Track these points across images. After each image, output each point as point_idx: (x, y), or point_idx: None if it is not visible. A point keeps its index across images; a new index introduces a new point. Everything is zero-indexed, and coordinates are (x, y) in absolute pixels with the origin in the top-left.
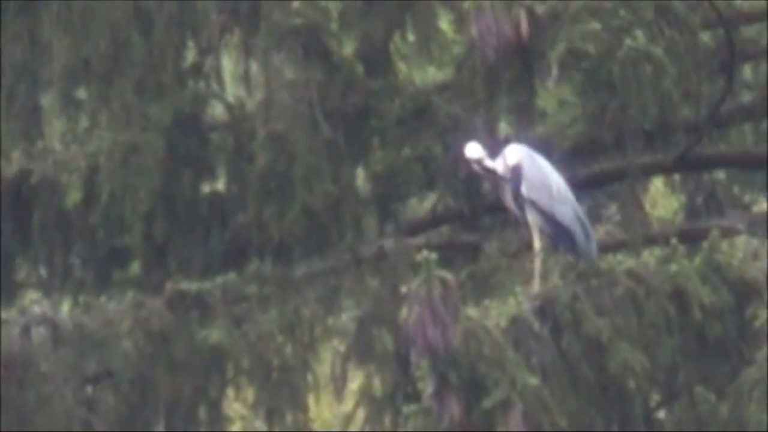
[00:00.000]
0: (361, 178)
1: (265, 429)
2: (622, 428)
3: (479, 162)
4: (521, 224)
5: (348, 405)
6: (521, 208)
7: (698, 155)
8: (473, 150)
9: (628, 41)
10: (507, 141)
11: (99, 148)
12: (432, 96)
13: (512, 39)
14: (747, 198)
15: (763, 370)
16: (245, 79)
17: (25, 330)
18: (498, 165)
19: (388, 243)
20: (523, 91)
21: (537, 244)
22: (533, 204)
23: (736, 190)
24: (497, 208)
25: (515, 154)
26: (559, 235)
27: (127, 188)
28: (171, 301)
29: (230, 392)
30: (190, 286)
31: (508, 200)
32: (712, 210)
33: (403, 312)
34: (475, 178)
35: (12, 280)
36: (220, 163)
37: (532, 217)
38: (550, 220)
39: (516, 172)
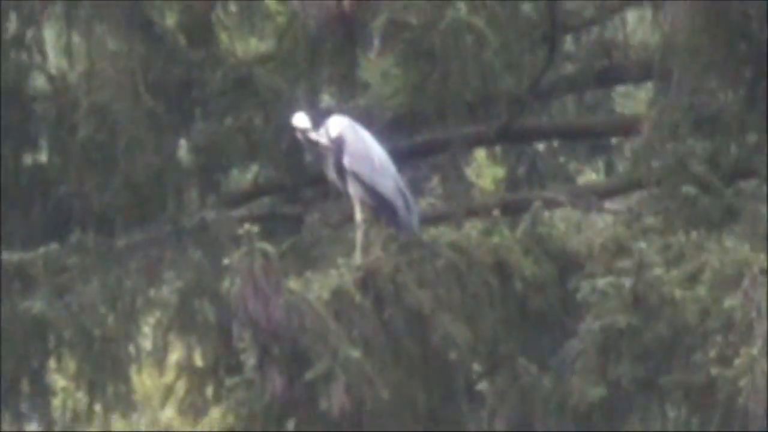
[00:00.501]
0: (183, 149)
1: (86, 400)
2: (445, 400)
3: (304, 132)
4: (343, 196)
5: (170, 377)
6: (343, 179)
7: (520, 127)
8: (300, 120)
9: (449, 12)
10: (329, 112)
11: None
12: (254, 67)
13: (334, 9)
14: (570, 169)
15: (585, 342)
16: (67, 50)
17: None
18: (321, 136)
19: (210, 214)
20: (345, 62)
21: (359, 216)
22: (355, 176)
23: (560, 161)
24: (319, 179)
25: (337, 125)
26: (380, 207)
27: None
28: None
29: (52, 363)
30: (12, 256)
31: (330, 172)
32: (534, 182)
33: (225, 284)
34: (297, 150)
35: None
36: (43, 134)
37: (353, 189)
38: (371, 192)
39: (338, 143)
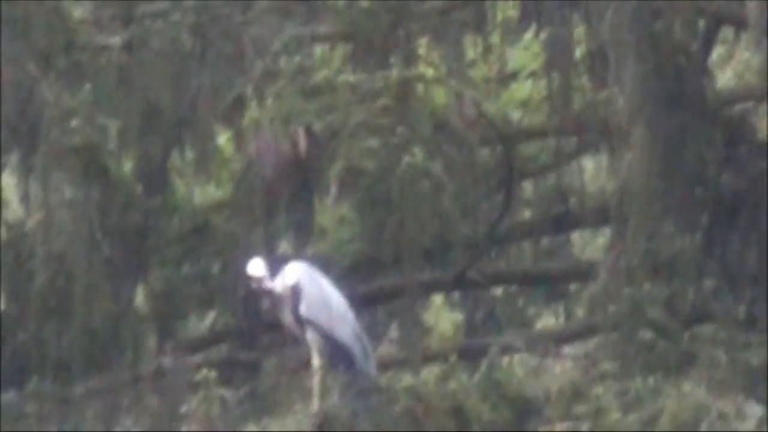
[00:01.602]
0: (140, 296)
1: None
2: None
3: (260, 281)
4: (300, 342)
5: None
6: (301, 326)
7: (477, 272)
8: (255, 268)
9: (406, 158)
10: (286, 258)
11: None
12: (210, 214)
13: (290, 156)
14: (528, 315)
15: None
16: (24, 198)
17: None
18: (277, 283)
19: (167, 361)
20: (301, 208)
21: (316, 362)
22: (312, 323)
23: (518, 306)
24: (276, 325)
25: (294, 272)
26: (337, 353)
27: None
28: None
29: None
30: None
31: (287, 318)
32: (492, 327)
33: (183, 430)
34: (253, 296)
35: None
36: (1, 282)
37: (311, 336)
38: (329, 338)
39: (295, 290)
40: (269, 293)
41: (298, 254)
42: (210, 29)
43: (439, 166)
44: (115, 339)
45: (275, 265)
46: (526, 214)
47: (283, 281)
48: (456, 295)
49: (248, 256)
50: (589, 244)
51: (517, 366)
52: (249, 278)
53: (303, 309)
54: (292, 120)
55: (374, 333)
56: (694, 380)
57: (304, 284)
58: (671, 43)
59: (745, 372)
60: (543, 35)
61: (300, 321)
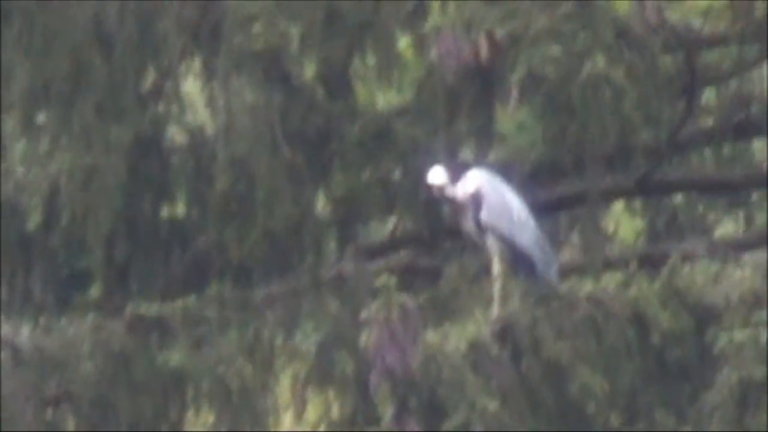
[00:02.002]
0: (321, 201)
1: None
2: None
3: (441, 189)
4: (481, 248)
5: (308, 428)
6: (482, 233)
7: (659, 179)
8: (436, 175)
9: (588, 65)
10: (467, 165)
11: (60, 171)
12: (392, 119)
13: (472, 62)
14: (708, 221)
15: (723, 394)
16: (206, 102)
17: None
18: (459, 190)
19: (348, 266)
20: (482, 114)
21: (497, 267)
22: (493, 230)
23: (698, 213)
24: (457, 232)
25: (476, 180)
26: (519, 260)
27: (88, 211)
28: (131, 323)
29: (190, 415)
30: (151, 308)
31: (468, 225)
32: (672, 234)
33: (363, 336)
34: (434, 202)
35: None
36: (181, 186)
37: (492, 243)
38: (510, 245)
39: (476, 198)
40: (450, 200)
41: (478, 161)
42: None
43: (620, 73)
44: (296, 244)
45: (456, 172)
46: (708, 121)
47: (464, 188)
48: (637, 201)
49: (429, 161)
50: None
51: (698, 273)
52: (430, 186)
53: (484, 216)
54: (474, 26)
55: (555, 239)
56: None
57: (486, 191)
58: None
59: None
60: None
61: (481, 228)
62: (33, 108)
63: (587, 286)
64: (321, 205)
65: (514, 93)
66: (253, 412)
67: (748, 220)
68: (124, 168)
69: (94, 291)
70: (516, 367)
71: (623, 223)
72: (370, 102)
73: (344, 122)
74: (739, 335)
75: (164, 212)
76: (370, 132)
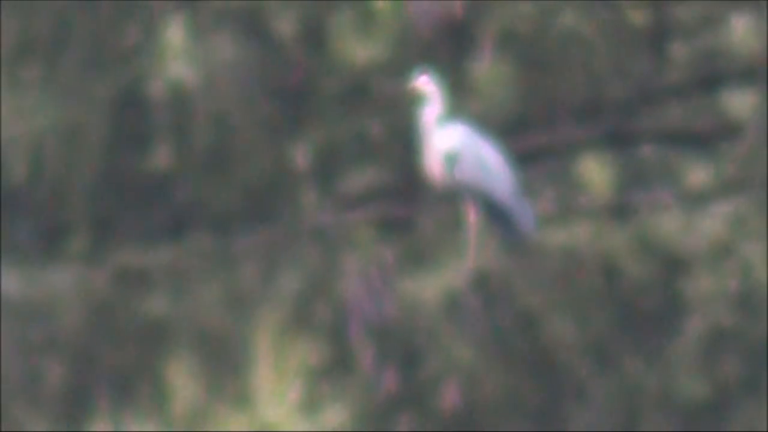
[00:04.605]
0: (299, 153)
1: (204, 400)
2: (554, 399)
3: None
4: (456, 199)
5: (287, 375)
6: (458, 187)
7: (629, 131)
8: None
9: (558, 20)
10: (442, 117)
11: (43, 126)
12: (368, 74)
13: (446, 17)
14: (678, 172)
15: (692, 342)
16: (186, 58)
17: None
18: (435, 142)
19: (326, 217)
20: (457, 69)
21: (472, 218)
22: (469, 186)
23: (668, 164)
24: (432, 183)
25: (451, 136)
26: (495, 212)
27: (72, 164)
28: (114, 274)
29: (172, 364)
30: (133, 260)
31: (441, 177)
32: (642, 185)
33: (341, 285)
34: (411, 153)
35: None
36: (162, 140)
37: (468, 195)
38: (487, 199)
39: (451, 155)
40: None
41: (454, 114)
42: None
43: (591, 28)
44: (275, 196)
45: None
46: (677, 74)
47: (440, 144)
48: (608, 153)
49: (406, 113)
50: (739, 105)
51: (668, 223)
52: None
53: (459, 173)
54: None
55: (529, 191)
56: None
57: (461, 148)
58: None
59: None
60: None
61: (456, 183)
62: (16, 64)
63: (559, 237)
64: (299, 157)
65: (488, 48)
66: (233, 360)
67: (717, 171)
68: (106, 122)
69: (78, 243)
70: (490, 316)
71: (594, 174)
72: (347, 57)
73: (322, 76)
74: (708, 284)
75: (146, 166)
76: (347, 86)
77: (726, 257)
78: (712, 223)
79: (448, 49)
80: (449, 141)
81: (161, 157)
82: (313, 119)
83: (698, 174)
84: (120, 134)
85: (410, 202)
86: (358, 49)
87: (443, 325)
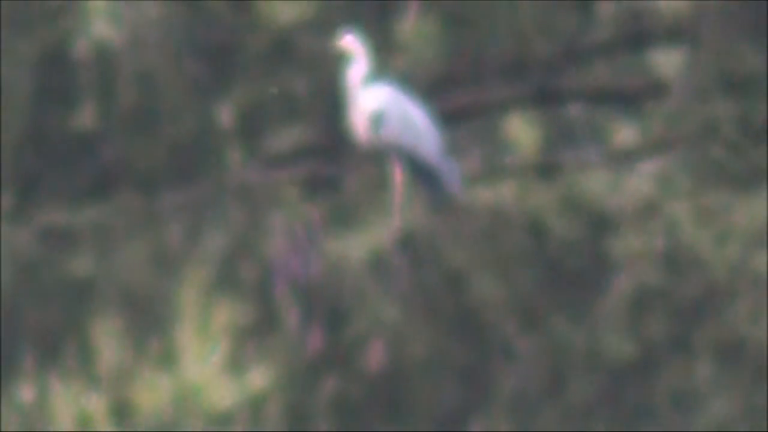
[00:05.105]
0: (225, 112)
1: (130, 359)
2: (481, 359)
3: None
4: (382, 159)
5: (213, 335)
6: (383, 147)
7: (555, 89)
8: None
9: None
10: (368, 77)
11: None
12: (293, 31)
13: None
14: (605, 131)
15: (618, 301)
16: (111, 16)
17: None
18: (361, 102)
19: (252, 176)
20: (382, 27)
21: (398, 177)
22: (394, 146)
23: (595, 123)
24: (358, 142)
25: (377, 96)
26: (421, 171)
27: None
28: (39, 233)
29: (97, 323)
30: (59, 218)
31: (366, 136)
32: (569, 144)
33: (267, 244)
34: (337, 111)
35: None
36: (87, 99)
37: (393, 155)
38: (413, 158)
39: (377, 115)
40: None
41: (379, 72)
42: None
43: None
44: (201, 154)
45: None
46: (604, 32)
47: (365, 105)
48: (534, 111)
49: (331, 72)
50: (665, 63)
51: (594, 182)
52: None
53: (386, 133)
54: None
55: (456, 150)
56: (765, 195)
57: (387, 108)
58: None
59: None
60: None
61: (382, 142)
62: None
63: (486, 196)
64: (224, 116)
65: (413, 5)
66: (159, 319)
67: (644, 130)
68: (31, 81)
69: (4, 201)
70: (416, 275)
71: (521, 132)
72: (272, 15)
73: (247, 34)
74: (635, 243)
75: (72, 124)
76: (271, 44)
77: (652, 216)
78: (639, 181)
79: (374, 7)
80: (375, 101)
81: (87, 115)
82: (239, 77)
83: (625, 133)
84: (45, 93)
85: (336, 161)
86: (283, 7)
87: (369, 285)
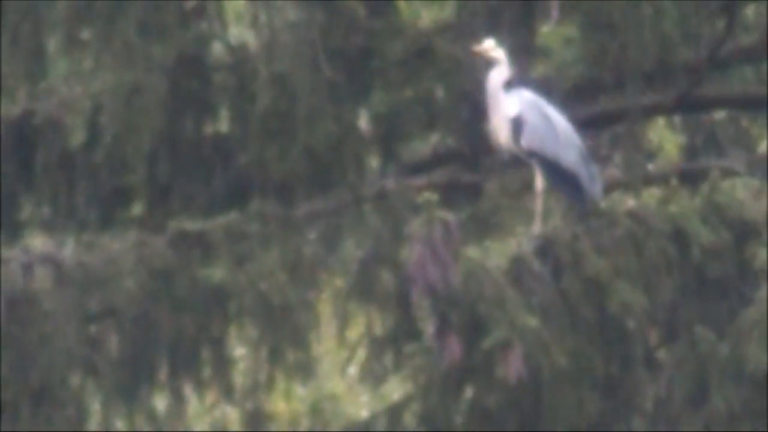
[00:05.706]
0: (363, 118)
1: (267, 368)
2: (622, 368)
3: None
4: (523, 164)
5: (349, 344)
6: (524, 155)
7: (699, 96)
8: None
9: None
10: (509, 82)
11: (102, 89)
12: (433, 37)
13: None
14: (749, 138)
15: (762, 310)
16: (248, 19)
17: (28, 269)
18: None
19: (390, 183)
20: (523, 31)
21: (539, 184)
22: (536, 153)
23: (737, 130)
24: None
25: (517, 102)
26: (562, 177)
27: (130, 128)
28: (173, 240)
29: (233, 331)
30: (193, 225)
31: (508, 141)
32: (712, 151)
33: (405, 252)
34: (476, 118)
35: (15, 219)
36: (223, 104)
37: (533, 160)
38: (554, 166)
39: (518, 122)
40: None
41: (520, 78)
42: None
43: None
44: (338, 161)
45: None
46: (748, 38)
47: (506, 111)
48: (677, 118)
49: (471, 79)
50: None
51: (738, 189)
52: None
53: (526, 140)
54: None
55: (597, 156)
56: None
57: (527, 115)
58: None
59: None
60: None
61: (522, 149)
62: (76, 26)
63: (628, 203)
64: (363, 122)
65: (555, 10)
66: (295, 328)
67: None
68: (166, 86)
69: (137, 208)
70: (556, 283)
71: (664, 139)
72: (412, 19)
73: (386, 39)
74: None
75: (207, 129)
76: (411, 49)
77: None
78: None
79: (515, 9)
80: (516, 107)
81: (222, 121)
82: (377, 83)
83: None
84: (180, 98)
85: (475, 168)
86: (423, 10)
87: (508, 292)
